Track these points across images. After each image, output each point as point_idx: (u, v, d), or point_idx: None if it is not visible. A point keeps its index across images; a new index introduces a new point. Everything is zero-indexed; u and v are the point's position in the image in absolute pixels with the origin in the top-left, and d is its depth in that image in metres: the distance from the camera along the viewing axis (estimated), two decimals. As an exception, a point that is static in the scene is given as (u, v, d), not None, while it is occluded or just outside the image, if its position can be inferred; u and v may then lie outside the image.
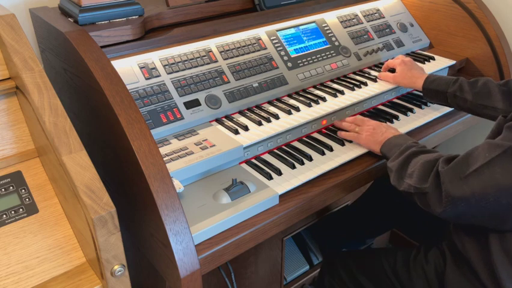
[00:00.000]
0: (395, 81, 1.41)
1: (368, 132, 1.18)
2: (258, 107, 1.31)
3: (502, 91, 1.18)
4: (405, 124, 1.33)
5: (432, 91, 1.31)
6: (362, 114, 1.39)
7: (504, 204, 0.83)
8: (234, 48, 1.35)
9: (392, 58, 1.64)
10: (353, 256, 1.27)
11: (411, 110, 1.39)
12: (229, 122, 1.22)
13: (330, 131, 1.29)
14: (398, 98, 1.50)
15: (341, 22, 1.60)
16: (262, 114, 1.26)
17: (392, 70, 1.48)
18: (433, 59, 1.63)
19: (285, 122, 1.22)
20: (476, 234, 0.97)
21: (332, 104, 1.32)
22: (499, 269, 0.93)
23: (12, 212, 0.87)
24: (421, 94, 1.36)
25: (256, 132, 1.17)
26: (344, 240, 1.65)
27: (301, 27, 1.51)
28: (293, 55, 1.44)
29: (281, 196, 1.04)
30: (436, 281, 1.06)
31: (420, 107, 1.42)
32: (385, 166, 1.20)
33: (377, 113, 1.40)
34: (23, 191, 0.90)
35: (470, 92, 1.23)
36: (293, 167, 1.12)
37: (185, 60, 1.26)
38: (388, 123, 1.32)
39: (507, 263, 0.92)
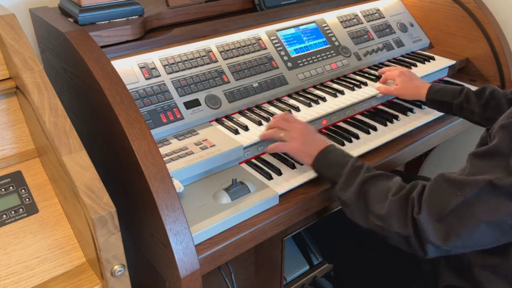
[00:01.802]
0: (398, 93, 1.37)
1: (297, 141, 1.04)
2: (258, 107, 1.31)
3: (510, 101, 1.15)
4: (405, 124, 1.33)
5: (437, 102, 1.28)
6: (362, 114, 1.39)
7: (492, 237, 0.79)
8: (234, 48, 1.35)
9: (393, 58, 1.65)
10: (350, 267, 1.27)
11: (411, 110, 1.39)
12: (229, 122, 1.22)
13: (330, 131, 1.29)
14: (397, 98, 1.49)
15: (341, 22, 1.60)
16: (262, 114, 1.26)
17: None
18: (433, 59, 1.63)
19: (285, 122, 1.22)
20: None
21: (332, 104, 1.32)
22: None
23: (12, 212, 0.87)
24: None
25: (256, 132, 1.17)
26: (343, 241, 1.64)
27: (301, 27, 1.51)
28: (293, 55, 1.44)
29: (281, 196, 1.04)
30: (433, 277, 1.07)
31: (420, 107, 1.42)
32: (386, 165, 1.21)
33: (377, 113, 1.40)
34: (23, 191, 0.90)
35: (477, 103, 1.20)
36: (293, 167, 1.12)
37: (185, 60, 1.26)
38: (388, 123, 1.32)
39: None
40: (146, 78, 1.19)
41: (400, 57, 1.65)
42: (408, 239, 0.85)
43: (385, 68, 1.48)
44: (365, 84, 1.43)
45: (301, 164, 1.13)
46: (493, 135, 0.82)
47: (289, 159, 1.15)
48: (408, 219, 0.84)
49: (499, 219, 0.77)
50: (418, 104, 1.43)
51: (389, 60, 1.63)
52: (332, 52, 1.51)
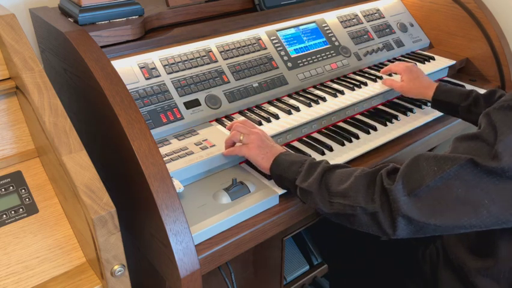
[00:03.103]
0: (402, 90, 1.34)
1: (255, 144, 1.02)
2: (258, 107, 1.31)
3: None
4: (405, 124, 1.33)
5: (443, 103, 1.26)
6: (362, 114, 1.39)
7: (464, 222, 0.77)
8: (234, 48, 1.35)
9: (392, 58, 1.65)
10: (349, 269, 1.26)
11: (411, 110, 1.39)
12: (229, 122, 1.22)
13: (330, 131, 1.29)
14: (398, 98, 1.49)
15: (341, 22, 1.60)
16: (262, 114, 1.26)
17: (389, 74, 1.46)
18: (433, 59, 1.63)
19: (285, 122, 1.22)
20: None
21: (332, 104, 1.32)
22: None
23: (12, 212, 0.87)
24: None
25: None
26: (343, 242, 1.64)
27: (301, 27, 1.51)
28: (293, 55, 1.44)
29: (281, 196, 1.04)
30: (432, 279, 1.07)
31: (420, 107, 1.42)
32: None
33: (377, 113, 1.40)
34: (23, 191, 0.90)
35: (485, 107, 1.16)
36: (293, 167, 1.12)
37: (185, 60, 1.26)
38: (388, 123, 1.32)
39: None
40: (146, 78, 1.19)
41: (400, 57, 1.65)
42: (375, 215, 0.81)
43: (390, 65, 1.44)
44: (365, 84, 1.43)
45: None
46: (479, 122, 0.81)
47: (289, 159, 1.15)
48: (376, 193, 0.81)
49: (476, 198, 0.75)
50: (418, 104, 1.43)
51: (389, 60, 1.63)
52: (332, 52, 1.51)
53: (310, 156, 1.02)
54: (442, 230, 0.79)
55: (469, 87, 1.55)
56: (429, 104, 1.40)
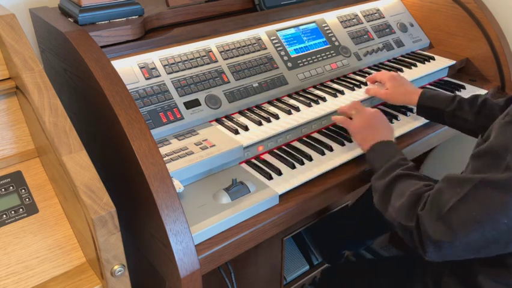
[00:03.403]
0: (387, 97, 1.33)
1: (362, 123, 1.12)
2: (258, 107, 1.31)
3: (503, 110, 1.13)
4: (404, 124, 1.33)
5: (428, 108, 1.25)
6: (362, 114, 1.39)
7: (489, 238, 0.79)
8: (234, 48, 1.35)
9: (393, 58, 1.65)
10: (351, 271, 1.26)
11: (411, 110, 1.39)
12: (229, 122, 1.22)
13: (330, 131, 1.29)
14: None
15: (341, 22, 1.60)
16: (262, 114, 1.26)
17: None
18: (433, 59, 1.63)
19: (285, 122, 1.22)
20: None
21: (331, 104, 1.32)
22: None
23: (12, 212, 0.87)
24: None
25: (256, 132, 1.17)
26: (343, 242, 1.65)
27: (301, 27, 1.51)
28: (293, 55, 1.44)
29: (281, 196, 1.04)
30: (435, 282, 1.06)
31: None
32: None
33: (377, 113, 1.40)
34: (23, 191, 0.90)
35: (470, 112, 1.18)
36: (293, 167, 1.12)
37: (185, 60, 1.26)
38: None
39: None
40: (146, 78, 1.19)
41: (400, 57, 1.65)
42: (411, 234, 0.86)
43: (375, 73, 1.43)
44: (365, 84, 1.43)
45: (303, 164, 1.13)
46: (488, 134, 0.83)
47: (289, 159, 1.15)
48: (414, 215, 0.86)
49: (491, 216, 0.77)
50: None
51: (389, 60, 1.63)
52: (332, 52, 1.51)
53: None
54: (472, 252, 0.82)
55: (469, 87, 1.55)
56: (414, 111, 1.38)
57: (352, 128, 1.15)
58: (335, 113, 1.31)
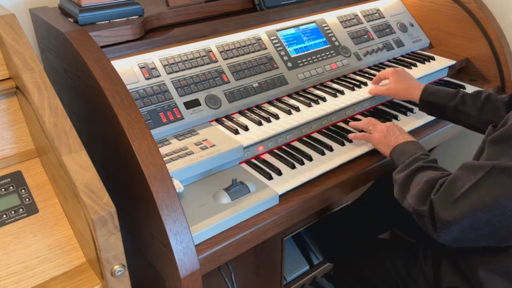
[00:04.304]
0: (389, 93, 1.33)
1: (381, 134, 1.15)
2: (258, 107, 1.31)
3: (507, 104, 1.14)
4: (405, 124, 1.33)
5: (430, 103, 1.25)
6: (362, 114, 1.39)
7: (497, 225, 0.82)
8: (234, 48, 1.35)
9: (393, 58, 1.65)
10: (358, 261, 1.27)
11: (411, 110, 1.39)
12: (229, 122, 1.22)
13: (330, 131, 1.29)
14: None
15: (341, 22, 1.60)
16: (262, 114, 1.26)
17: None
18: (433, 59, 1.63)
19: (285, 122, 1.22)
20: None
21: (331, 104, 1.32)
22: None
23: (12, 212, 0.87)
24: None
25: (256, 132, 1.17)
26: (343, 240, 1.64)
27: (301, 27, 1.51)
28: (293, 55, 1.44)
29: (281, 196, 1.04)
30: (433, 278, 1.07)
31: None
32: (385, 166, 1.21)
33: (377, 113, 1.40)
34: (23, 191, 0.90)
35: (473, 106, 1.18)
36: (293, 167, 1.12)
37: (185, 60, 1.26)
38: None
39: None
40: (146, 78, 1.19)
41: (400, 57, 1.65)
42: (423, 218, 0.89)
43: (379, 73, 1.43)
44: (365, 84, 1.43)
45: (303, 164, 1.13)
46: (505, 122, 0.86)
47: (289, 159, 1.15)
48: (427, 199, 0.89)
49: (501, 202, 0.79)
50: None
51: (389, 60, 1.63)
52: (332, 52, 1.51)
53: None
54: (482, 239, 0.85)
55: (469, 87, 1.55)
56: (414, 111, 1.38)
57: (374, 140, 1.17)
58: (335, 113, 1.31)
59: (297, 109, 1.28)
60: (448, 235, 0.86)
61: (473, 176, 0.83)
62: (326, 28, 1.56)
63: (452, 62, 1.61)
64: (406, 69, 1.53)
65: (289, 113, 1.26)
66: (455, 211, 0.83)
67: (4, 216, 0.86)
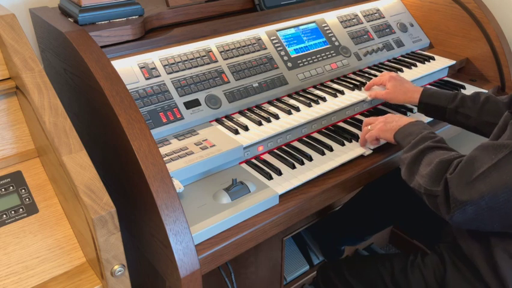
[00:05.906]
0: (388, 97, 1.32)
1: (381, 124, 1.15)
2: (258, 107, 1.31)
3: (507, 105, 1.14)
4: (405, 124, 1.33)
5: (430, 106, 1.25)
6: (362, 114, 1.39)
7: None
8: (234, 48, 1.35)
9: (393, 58, 1.65)
10: (349, 264, 1.26)
11: (410, 110, 1.39)
12: (229, 122, 1.22)
13: (330, 131, 1.29)
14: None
15: (341, 22, 1.60)
16: (262, 114, 1.26)
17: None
18: (433, 59, 1.63)
19: (285, 122, 1.22)
20: (480, 236, 0.97)
21: (332, 104, 1.32)
22: (503, 269, 0.93)
23: (12, 212, 0.87)
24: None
25: (256, 132, 1.17)
26: (342, 237, 1.64)
27: (301, 27, 1.51)
28: (293, 55, 1.44)
29: (281, 196, 1.04)
30: (436, 285, 1.06)
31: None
32: (384, 166, 1.21)
33: (377, 113, 1.40)
34: (23, 191, 0.90)
35: (473, 108, 1.18)
36: (293, 167, 1.12)
37: (185, 60, 1.26)
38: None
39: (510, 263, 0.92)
40: (146, 78, 1.19)
41: (400, 57, 1.65)
42: (436, 198, 0.89)
43: (373, 79, 1.42)
44: (365, 84, 1.43)
45: (303, 164, 1.13)
46: None
47: (289, 159, 1.15)
48: (442, 179, 0.88)
49: None
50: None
51: (389, 60, 1.64)
52: (332, 52, 1.51)
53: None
54: (499, 220, 0.85)
55: (469, 87, 1.55)
56: (414, 111, 1.38)
57: (376, 132, 1.15)
58: (335, 113, 1.31)
59: (297, 109, 1.28)
60: (462, 215, 0.85)
61: (494, 156, 0.82)
62: (325, 28, 1.56)
63: (452, 62, 1.61)
64: (407, 69, 1.54)
65: (289, 113, 1.26)
66: (472, 191, 0.83)
67: (4, 216, 0.86)
